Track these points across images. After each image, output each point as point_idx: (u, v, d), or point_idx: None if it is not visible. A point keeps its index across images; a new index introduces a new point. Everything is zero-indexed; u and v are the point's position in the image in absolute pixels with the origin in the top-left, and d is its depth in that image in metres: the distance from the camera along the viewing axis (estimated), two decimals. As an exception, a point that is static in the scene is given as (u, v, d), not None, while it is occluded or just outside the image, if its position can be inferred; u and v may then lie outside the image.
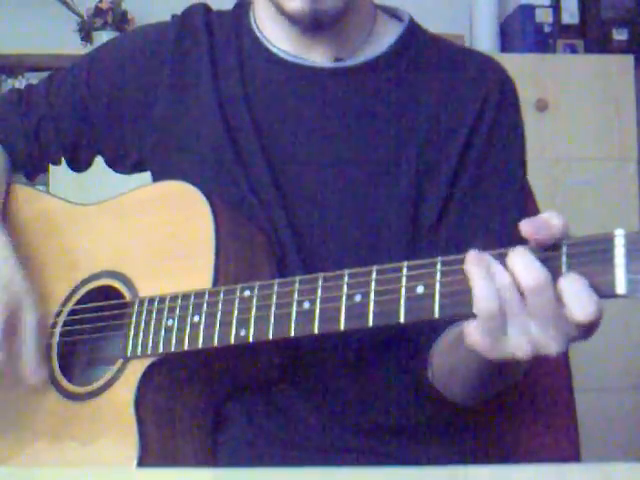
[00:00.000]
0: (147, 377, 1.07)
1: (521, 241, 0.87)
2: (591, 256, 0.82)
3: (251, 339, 1.00)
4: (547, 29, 3.08)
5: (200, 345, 1.03)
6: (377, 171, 1.17)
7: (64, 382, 1.15)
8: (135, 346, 1.08)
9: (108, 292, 1.14)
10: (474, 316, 0.88)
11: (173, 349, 1.05)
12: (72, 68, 1.34)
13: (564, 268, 0.83)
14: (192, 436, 1.12)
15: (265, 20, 1.24)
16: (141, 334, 1.08)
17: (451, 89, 1.19)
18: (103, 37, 2.96)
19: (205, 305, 1.04)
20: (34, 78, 2.99)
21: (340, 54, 1.21)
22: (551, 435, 1.32)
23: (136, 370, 1.07)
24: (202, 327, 1.03)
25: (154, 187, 1.20)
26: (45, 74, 1.39)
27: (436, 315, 0.89)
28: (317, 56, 1.21)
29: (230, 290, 1.03)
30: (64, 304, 1.18)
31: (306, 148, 1.18)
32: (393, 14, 1.28)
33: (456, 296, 0.88)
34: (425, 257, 0.91)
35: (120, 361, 1.09)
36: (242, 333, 1.00)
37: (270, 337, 0.99)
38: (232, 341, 1.01)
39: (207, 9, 1.29)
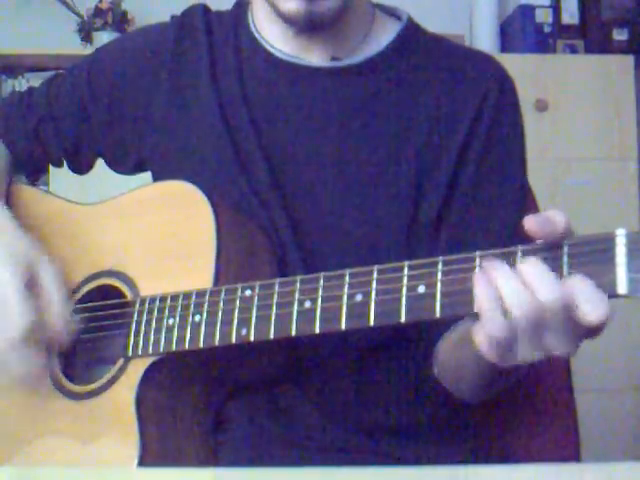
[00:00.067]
0: (148, 376, 1.07)
1: (521, 241, 0.87)
2: (592, 256, 0.82)
3: (252, 338, 1.00)
4: (547, 29, 3.08)
5: (201, 344, 1.03)
6: (376, 170, 1.17)
7: (65, 381, 1.15)
8: (136, 345, 1.08)
9: (109, 291, 1.14)
10: (475, 315, 0.88)
11: (174, 348, 1.05)
12: (72, 69, 1.34)
13: (565, 268, 0.83)
14: (193, 435, 1.12)
15: (263, 20, 1.24)
16: (142, 333, 1.08)
17: (450, 88, 1.19)
18: (103, 37, 2.96)
19: (206, 304, 1.04)
20: (34, 78, 2.99)
21: (338, 54, 1.21)
22: (551, 435, 1.32)
23: (137, 369, 1.07)
24: (203, 326, 1.03)
25: (155, 187, 1.20)
26: (45, 74, 1.39)
27: (437, 315, 0.89)
28: (314, 56, 1.21)
29: (231, 289, 1.03)
30: (65, 303, 1.18)
31: (305, 148, 1.18)
32: (392, 13, 1.28)
33: (457, 296, 0.88)
34: (425, 256, 0.91)
35: (121, 360, 1.10)
36: (243, 332, 1.00)
37: (271, 336, 0.99)
38: (233, 340, 1.01)
39: (206, 10, 1.29)
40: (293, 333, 0.98)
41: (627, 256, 0.80)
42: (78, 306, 1.16)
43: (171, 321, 1.06)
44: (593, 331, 0.84)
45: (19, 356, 1.06)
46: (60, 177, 2.00)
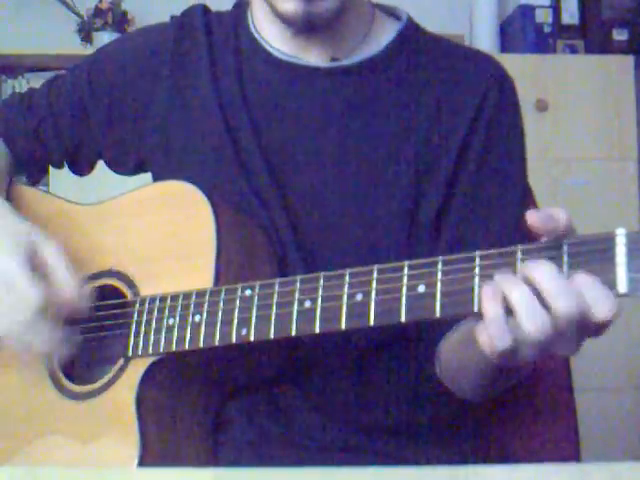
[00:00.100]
0: (148, 376, 1.07)
1: (522, 240, 0.87)
2: (592, 255, 0.82)
3: (252, 338, 1.00)
4: (547, 29, 3.08)
5: (201, 344, 1.03)
6: (376, 170, 1.17)
7: (65, 381, 1.15)
8: (136, 345, 1.08)
9: (109, 291, 1.14)
10: (475, 315, 0.88)
11: (174, 348, 1.05)
12: (73, 70, 1.34)
13: (565, 268, 0.83)
14: (193, 435, 1.12)
15: (262, 20, 1.24)
16: (142, 333, 1.08)
17: (450, 88, 1.19)
18: (103, 37, 2.96)
19: (206, 304, 1.04)
20: (34, 78, 3.00)
21: (337, 54, 1.21)
22: (551, 435, 1.32)
23: (137, 369, 1.07)
24: (203, 326, 1.03)
25: (155, 187, 1.20)
26: (45, 74, 1.39)
27: (437, 314, 0.89)
28: (313, 56, 1.21)
29: (231, 289, 1.03)
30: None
31: (305, 148, 1.18)
32: (391, 13, 1.28)
33: (457, 295, 0.88)
34: (425, 256, 0.91)
35: (121, 360, 1.10)
36: (243, 332, 1.00)
37: (271, 336, 0.99)
38: (233, 340, 1.01)
39: (206, 10, 1.29)
40: (293, 333, 0.98)
41: (627, 256, 0.80)
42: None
43: (171, 321, 1.06)
44: (598, 329, 0.84)
45: (36, 332, 1.07)
46: (60, 177, 2.00)
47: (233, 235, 1.09)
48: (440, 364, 1.16)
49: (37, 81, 1.37)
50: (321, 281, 0.97)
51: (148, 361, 1.07)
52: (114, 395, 1.09)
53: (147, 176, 1.30)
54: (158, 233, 1.13)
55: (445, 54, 1.23)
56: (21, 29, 3.14)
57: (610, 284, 0.81)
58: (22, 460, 1.15)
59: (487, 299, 0.85)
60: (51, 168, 1.40)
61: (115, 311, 1.13)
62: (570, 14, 3.14)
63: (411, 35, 1.23)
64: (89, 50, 2.87)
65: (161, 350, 1.06)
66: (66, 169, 1.39)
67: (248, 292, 1.01)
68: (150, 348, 1.07)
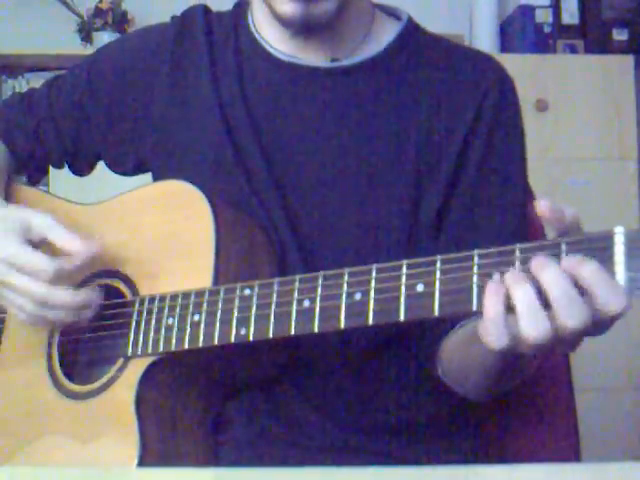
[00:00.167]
0: (148, 376, 1.07)
1: (522, 240, 0.87)
2: (591, 254, 0.82)
3: (251, 338, 1.00)
4: (547, 29, 3.08)
5: (200, 344, 1.03)
6: (376, 170, 1.17)
7: (65, 381, 1.15)
8: (136, 345, 1.08)
9: (109, 291, 1.14)
10: (474, 314, 0.88)
11: (173, 348, 1.05)
12: (73, 70, 1.34)
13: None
14: (193, 435, 1.12)
15: (262, 21, 1.24)
16: (142, 333, 1.08)
17: (450, 88, 1.19)
18: (103, 37, 2.96)
19: (205, 304, 1.04)
20: (34, 78, 3.00)
21: (337, 54, 1.21)
22: (551, 435, 1.32)
23: (137, 369, 1.07)
24: (202, 326, 1.03)
25: (154, 187, 1.20)
26: (45, 74, 1.40)
27: (436, 313, 0.89)
28: (313, 56, 1.21)
29: (230, 289, 1.03)
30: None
31: (305, 147, 1.18)
32: (392, 13, 1.28)
33: (456, 294, 0.88)
34: (425, 256, 0.91)
35: (121, 360, 1.10)
36: (242, 332, 1.00)
37: (270, 336, 0.99)
38: (232, 340, 1.01)
39: (206, 10, 1.29)
40: (292, 332, 0.98)
41: (626, 255, 0.80)
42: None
43: (170, 321, 1.06)
44: (601, 329, 0.84)
45: (57, 299, 1.08)
46: (60, 177, 2.00)
47: (232, 235, 1.09)
48: (442, 364, 1.15)
49: (37, 81, 1.37)
50: (320, 280, 0.97)
51: (147, 361, 1.07)
52: (114, 395, 1.09)
53: (147, 176, 1.30)
54: (157, 233, 1.13)
55: (445, 54, 1.23)
56: (21, 29, 3.14)
57: None
58: (22, 460, 1.15)
59: (489, 296, 0.85)
60: (51, 168, 1.40)
61: (114, 311, 1.13)
62: (570, 14, 3.14)
63: (411, 35, 1.23)
64: (89, 50, 2.88)
65: (160, 350, 1.06)
66: (66, 169, 1.39)
67: (247, 292, 1.01)
68: (149, 348, 1.07)
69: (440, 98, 1.19)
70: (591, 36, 3.13)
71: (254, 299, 1.01)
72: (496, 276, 0.85)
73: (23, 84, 3.09)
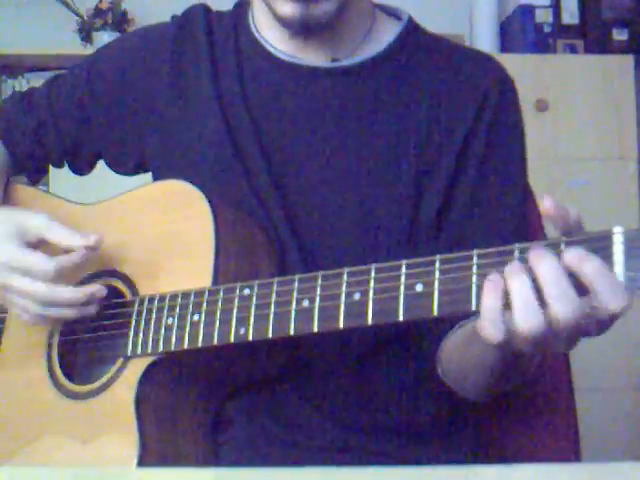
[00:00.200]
0: (147, 376, 1.07)
1: (521, 240, 0.87)
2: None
3: (250, 337, 1.00)
4: (547, 29, 3.08)
5: (200, 344, 1.03)
6: (376, 170, 1.17)
7: (65, 381, 1.15)
8: (135, 345, 1.08)
9: (108, 291, 1.14)
10: (473, 314, 0.88)
11: (173, 348, 1.05)
12: (73, 70, 1.34)
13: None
14: (193, 435, 1.12)
15: (262, 21, 1.24)
16: (141, 333, 1.08)
17: (450, 88, 1.19)
18: (103, 37, 2.97)
19: (205, 304, 1.04)
20: (34, 78, 3.00)
21: (337, 54, 1.21)
22: (551, 435, 1.32)
23: (136, 369, 1.07)
24: (202, 326, 1.03)
25: (154, 186, 1.20)
26: (45, 74, 1.40)
27: (435, 313, 0.89)
28: (314, 56, 1.21)
29: (230, 289, 1.03)
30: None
31: (305, 148, 1.18)
32: (392, 13, 1.28)
33: (455, 294, 0.88)
34: (425, 256, 0.91)
35: (120, 360, 1.10)
36: (242, 332, 1.00)
37: (269, 335, 0.99)
38: (232, 340, 1.01)
39: (207, 10, 1.29)
40: (291, 332, 0.98)
41: (624, 254, 0.80)
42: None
43: (170, 321, 1.06)
44: (600, 329, 0.84)
45: (59, 296, 1.08)
46: (60, 177, 2.00)
47: (232, 235, 1.09)
48: (441, 364, 1.15)
49: (37, 81, 1.37)
50: (319, 280, 0.97)
51: (147, 361, 1.07)
52: (113, 395, 1.09)
53: (147, 176, 1.30)
54: (157, 233, 1.13)
55: (446, 54, 1.22)
56: (21, 29, 3.14)
57: None
58: (22, 460, 1.15)
59: (487, 290, 0.85)
60: (51, 168, 1.40)
61: (114, 311, 1.13)
62: (570, 14, 3.14)
63: (412, 36, 1.23)
64: (89, 50, 2.88)
65: (160, 350, 1.06)
66: (66, 168, 1.38)
67: (247, 291, 1.01)
68: (149, 348, 1.07)
69: (440, 98, 1.19)
70: (591, 36, 3.13)
71: (253, 299, 1.01)
72: (495, 275, 0.85)
73: (23, 84, 3.08)
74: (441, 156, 1.17)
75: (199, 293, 1.05)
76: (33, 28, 3.13)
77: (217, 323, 1.02)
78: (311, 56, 1.21)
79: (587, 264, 0.81)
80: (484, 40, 3.12)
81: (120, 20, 3.05)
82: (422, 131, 1.18)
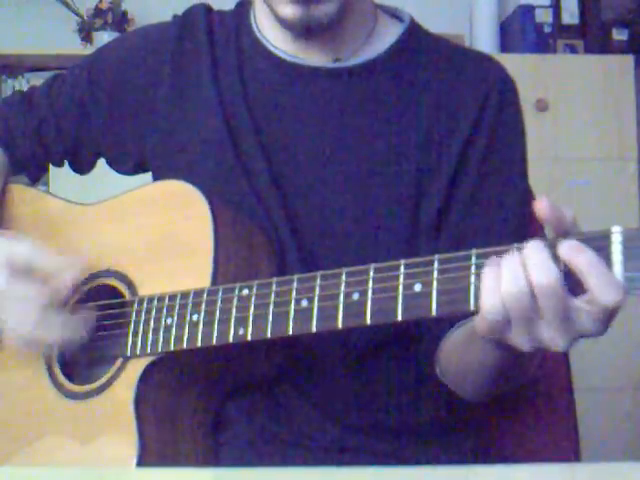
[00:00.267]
0: (147, 376, 1.07)
1: (521, 241, 0.87)
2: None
3: (249, 337, 1.00)
4: (547, 29, 3.08)
5: (199, 344, 1.03)
6: (377, 171, 1.17)
7: (65, 381, 1.15)
8: (135, 345, 1.08)
9: (108, 291, 1.14)
10: (472, 314, 0.88)
11: (172, 348, 1.05)
12: (73, 69, 1.34)
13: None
14: (192, 435, 1.12)
15: (264, 21, 1.24)
16: (140, 333, 1.08)
17: (451, 89, 1.19)
18: (103, 37, 2.97)
19: (204, 304, 1.04)
20: (34, 78, 3.00)
21: (339, 54, 1.21)
22: (551, 435, 1.32)
23: (136, 369, 1.07)
24: (201, 326, 1.03)
25: (154, 186, 1.20)
26: (45, 74, 1.39)
27: (433, 313, 0.89)
28: (315, 57, 1.21)
29: (229, 289, 1.03)
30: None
31: (306, 148, 1.18)
32: (394, 14, 1.28)
33: (453, 294, 0.88)
34: (425, 256, 0.91)
35: (120, 360, 1.10)
36: (241, 332, 1.00)
37: (268, 335, 0.99)
38: (231, 340, 1.01)
39: (208, 9, 1.29)
40: (290, 332, 0.98)
41: (623, 254, 0.80)
42: (77, 306, 1.16)
43: (169, 321, 1.06)
44: (602, 324, 0.84)
45: (49, 327, 1.08)
46: (60, 177, 2.01)
47: (231, 235, 1.09)
48: (441, 364, 1.15)
49: (37, 81, 1.36)
50: (318, 280, 0.97)
51: (146, 361, 1.07)
52: (113, 395, 1.09)
53: (147, 176, 1.30)
54: (157, 233, 1.13)
55: (447, 55, 1.22)
56: (21, 29, 3.14)
57: None
58: (22, 460, 1.15)
59: (488, 267, 0.86)
60: (51, 168, 1.40)
61: (113, 311, 1.13)
62: (570, 14, 3.14)
63: (413, 37, 1.23)
64: (89, 50, 2.87)
65: (159, 350, 1.06)
66: (66, 168, 1.38)
67: (245, 292, 1.01)
68: (148, 348, 1.07)
69: (441, 99, 1.19)
70: (591, 36, 3.13)
71: (252, 299, 1.01)
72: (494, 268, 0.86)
73: (23, 84, 3.09)
74: (442, 156, 1.17)
75: (198, 293, 1.05)
76: (33, 28, 3.13)
77: (216, 323, 1.02)
78: (313, 56, 1.21)
79: (581, 255, 0.82)
80: (484, 40, 3.12)
81: (120, 20, 3.05)
82: (423, 132, 1.18)
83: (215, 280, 1.05)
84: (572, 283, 0.83)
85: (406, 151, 1.17)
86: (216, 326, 1.02)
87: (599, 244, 0.82)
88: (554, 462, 1.26)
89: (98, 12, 3.05)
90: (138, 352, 1.08)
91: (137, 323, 1.09)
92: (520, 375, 1.09)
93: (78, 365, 1.18)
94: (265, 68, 1.22)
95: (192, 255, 1.08)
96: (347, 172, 1.17)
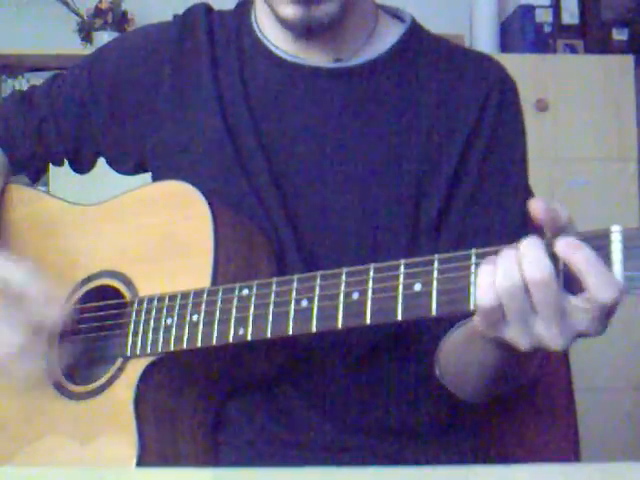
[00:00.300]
0: (146, 376, 1.07)
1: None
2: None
3: (249, 338, 1.00)
4: (547, 29, 3.09)
5: (199, 344, 1.03)
6: (377, 171, 1.17)
7: (65, 381, 1.15)
8: (135, 345, 1.08)
9: (108, 292, 1.14)
10: (471, 314, 0.88)
11: (172, 348, 1.05)
12: (73, 69, 1.34)
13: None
14: (192, 435, 1.12)
15: (265, 21, 1.24)
16: (140, 333, 1.08)
17: (452, 89, 1.19)
18: (103, 37, 2.97)
19: (204, 304, 1.04)
20: (34, 78, 3.00)
21: (340, 55, 1.21)
22: (551, 435, 1.32)
23: (136, 369, 1.07)
24: (201, 326, 1.03)
25: (154, 187, 1.20)
26: (45, 74, 1.39)
27: (433, 313, 0.89)
28: (316, 56, 1.21)
29: (229, 289, 1.03)
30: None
31: (306, 148, 1.18)
32: (395, 14, 1.28)
33: (453, 294, 0.88)
34: (424, 256, 0.91)
35: (120, 360, 1.10)
36: (240, 332, 1.00)
37: (268, 335, 0.99)
38: (231, 340, 1.01)
39: (208, 9, 1.29)
40: (290, 332, 0.98)
41: (623, 253, 0.80)
42: (77, 306, 1.16)
43: (169, 321, 1.06)
44: (599, 322, 0.84)
45: (32, 359, 1.09)
46: (60, 177, 2.01)
47: (231, 235, 1.09)
48: (440, 364, 1.15)
49: (37, 81, 1.36)
50: (318, 280, 0.97)
51: (146, 361, 1.07)
52: (113, 395, 1.09)
53: (147, 176, 1.30)
54: (157, 233, 1.13)
55: (448, 56, 1.23)
56: (21, 29, 3.14)
57: None
58: (22, 460, 1.15)
59: (484, 265, 0.86)
60: (51, 168, 1.40)
61: (114, 311, 1.13)
62: (570, 14, 3.14)
63: (414, 37, 1.23)
64: (89, 50, 2.88)
65: (159, 350, 1.06)
66: (66, 168, 1.38)
67: (245, 292, 1.01)
68: (148, 348, 1.07)
69: (442, 99, 1.19)
70: (591, 36, 3.14)
71: (252, 299, 1.01)
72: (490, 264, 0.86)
73: (23, 84, 3.09)
74: (442, 157, 1.17)
75: (198, 293, 1.05)
76: (33, 28, 3.13)
77: (216, 323, 1.02)
78: (314, 56, 1.21)
79: (578, 252, 0.82)
80: (484, 40, 3.13)
81: (120, 20, 3.05)
82: (424, 132, 1.18)
83: (215, 280, 1.05)
84: (570, 282, 0.83)
85: (406, 151, 1.17)
86: (216, 326, 1.02)
87: (599, 243, 0.82)
88: (554, 462, 1.26)
89: (98, 12, 3.05)
90: (138, 352, 1.08)
91: (137, 323, 1.09)
92: (520, 375, 1.09)
93: (79, 365, 1.18)
94: (266, 68, 1.22)
95: (192, 255, 1.08)
96: (347, 172, 1.17)
